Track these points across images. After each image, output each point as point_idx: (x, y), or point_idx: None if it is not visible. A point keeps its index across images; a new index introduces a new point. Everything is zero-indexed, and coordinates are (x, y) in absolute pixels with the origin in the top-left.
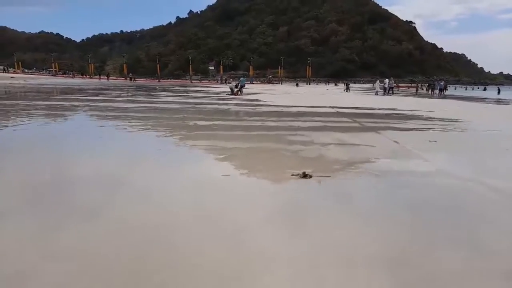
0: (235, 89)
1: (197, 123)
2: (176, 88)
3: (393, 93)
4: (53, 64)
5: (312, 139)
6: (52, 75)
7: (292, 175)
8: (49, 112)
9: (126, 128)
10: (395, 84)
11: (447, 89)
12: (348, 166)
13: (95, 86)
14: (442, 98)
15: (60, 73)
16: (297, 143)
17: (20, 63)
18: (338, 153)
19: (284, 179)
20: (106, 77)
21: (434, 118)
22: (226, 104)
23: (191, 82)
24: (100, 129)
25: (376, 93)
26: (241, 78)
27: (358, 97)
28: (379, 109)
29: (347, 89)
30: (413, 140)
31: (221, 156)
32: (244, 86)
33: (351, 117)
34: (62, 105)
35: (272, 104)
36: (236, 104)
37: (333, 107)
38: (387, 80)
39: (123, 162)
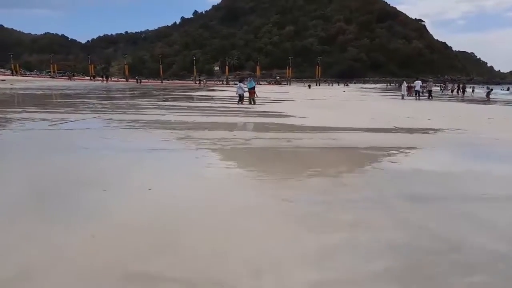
0: (244, 96)
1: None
2: (176, 93)
3: (431, 97)
4: (51, 66)
5: None
6: (50, 77)
7: None
8: None
9: None
10: (435, 86)
11: (466, 91)
12: None
13: (81, 90)
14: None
15: (60, 75)
16: None
17: (18, 65)
18: None
19: None
20: (105, 79)
21: None
22: (243, 127)
23: (195, 83)
24: None
25: (402, 97)
26: (244, 82)
27: (400, 105)
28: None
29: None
30: None
31: None
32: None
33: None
34: None
35: (311, 126)
36: (259, 129)
37: (410, 131)
38: (418, 82)
39: None
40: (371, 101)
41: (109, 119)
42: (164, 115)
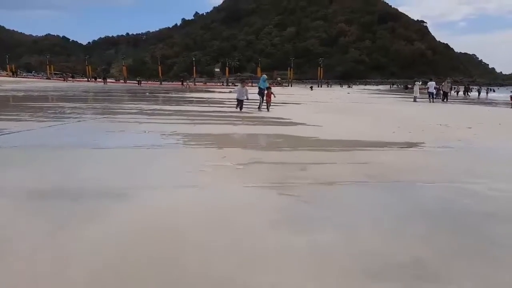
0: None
1: None
2: (170, 95)
3: (447, 99)
4: (47, 67)
5: None
6: (47, 78)
7: None
8: None
9: None
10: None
11: (470, 92)
12: None
13: (67, 92)
14: None
15: (58, 76)
16: None
17: (14, 66)
18: None
19: None
20: (104, 81)
21: None
22: (237, 143)
23: (195, 85)
24: None
25: (414, 99)
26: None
27: (419, 109)
28: None
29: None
30: None
31: None
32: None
33: None
34: None
35: (328, 140)
36: (259, 146)
37: (461, 147)
38: (432, 83)
39: None
40: (383, 104)
41: (62, 129)
42: (140, 123)
